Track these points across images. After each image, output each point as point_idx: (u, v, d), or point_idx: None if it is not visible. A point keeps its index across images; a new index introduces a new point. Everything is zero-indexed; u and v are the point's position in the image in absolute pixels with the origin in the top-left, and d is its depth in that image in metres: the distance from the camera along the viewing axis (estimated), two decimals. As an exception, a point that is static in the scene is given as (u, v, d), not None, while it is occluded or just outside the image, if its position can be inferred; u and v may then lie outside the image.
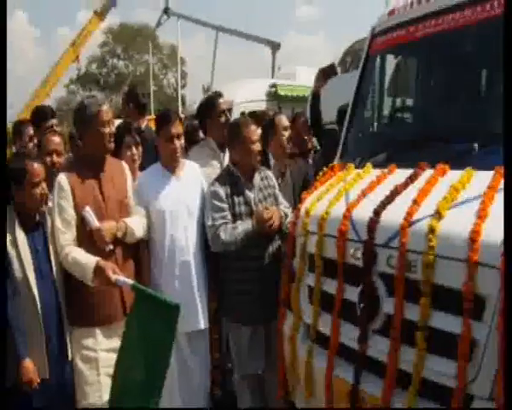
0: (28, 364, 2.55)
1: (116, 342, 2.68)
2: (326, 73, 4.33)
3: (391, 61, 3.55)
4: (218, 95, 3.80)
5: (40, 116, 4.33)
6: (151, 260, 3.16)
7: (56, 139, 3.30)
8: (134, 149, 3.39)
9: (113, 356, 2.62)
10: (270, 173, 3.41)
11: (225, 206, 3.11)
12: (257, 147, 3.22)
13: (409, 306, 2.09)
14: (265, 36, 15.69)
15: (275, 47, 15.19)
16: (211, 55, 17.87)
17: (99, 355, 2.80)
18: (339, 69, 8.89)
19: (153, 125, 4.75)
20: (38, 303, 2.64)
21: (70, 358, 2.80)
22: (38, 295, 2.64)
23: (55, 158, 3.22)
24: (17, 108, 17.32)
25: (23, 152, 2.99)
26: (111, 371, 2.62)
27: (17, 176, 2.66)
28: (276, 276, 3.02)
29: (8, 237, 2.60)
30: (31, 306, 2.63)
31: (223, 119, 3.69)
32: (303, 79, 10.27)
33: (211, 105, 3.74)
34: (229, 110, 3.81)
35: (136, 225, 2.96)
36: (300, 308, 2.76)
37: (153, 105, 27.31)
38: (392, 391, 2.12)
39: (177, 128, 3.16)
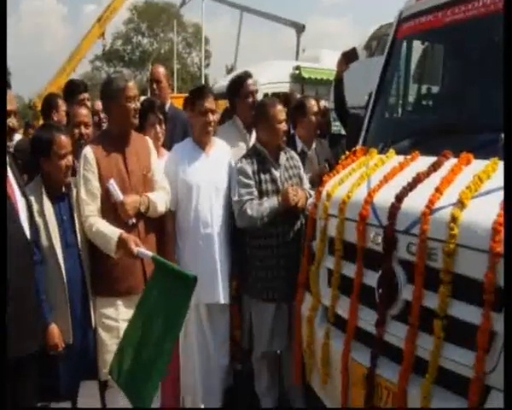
0: (53, 329, 2.64)
1: None
2: (348, 57, 4.29)
3: (417, 47, 3.51)
4: (248, 75, 3.78)
5: (72, 90, 4.39)
6: (177, 230, 3.24)
7: (84, 111, 3.37)
8: (158, 127, 3.43)
9: None
10: (295, 154, 3.47)
11: (252, 182, 3.17)
12: (283, 126, 3.27)
13: (428, 293, 2.09)
14: (290, 17, 15.54)
15: (299, 29, 15.03)
16: (235, 35, 17.81)
17: (120, 325, 2.85)
18: (364, 53, 8.81)
19: (176, 104, 4.79)
20: (64, 271, 2.72)
21: (93, 326, 2.88)
22: (63, 263, 2.72)
23: (82, 130, 3.29)
24: (43, 84, 17.55)
25: (50, 123, 3.05)
26: None
27: (44, 146, 2.72)
28: (300, 254, 3.07)
29: (36, 207, 2.68)
30: (56, 274, 2.71)
31: (250, 99, 3.67)
32: (327, 63, 10.19)
33: (239, 85, 3.74)
34: (257, 91, 3.77)
35: (159, 200, 3.02)
36: (319, 291, 2.79)
37: (176, 83, 27.36)
38: (408, 377, 2.13)
39: (211, 103, 3.24)
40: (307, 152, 3.82)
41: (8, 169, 2.46)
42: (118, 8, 18.73)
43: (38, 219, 2.68)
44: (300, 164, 3.45)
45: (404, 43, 3.42)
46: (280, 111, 3.28)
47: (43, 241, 2.69)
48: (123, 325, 2.81)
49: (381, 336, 2.28)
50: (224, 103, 11.73)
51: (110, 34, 30.71)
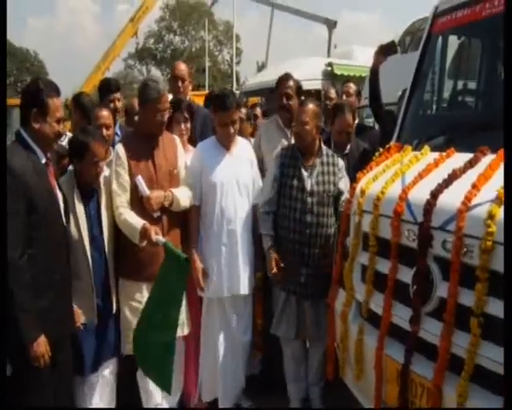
0: (76, 310, 2.86)
1: None
2: (386, 50, 4.24)
3: (453, 42, 3.46)
4: (284, 77, 3.90)
5: (105, 89, 4.50)
6: (201, 225, 3.38)
7: (105, 114, 3.51)
8: (183, 124, 3.58)
9: None
10: (340, 162, 3.42)
11: (276, 187, 3.31)
12: (306, 127, 3.28)
13: (463, 291, 2.09)
14: (320, 13, 15.45)
15: (331, 25, 14.94)
16: (266, 31, 17.81)
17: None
18: (398, 49, 8.69)
19: (197, 101, 4.82)
20: (90, 260, 2.95)
21: (114, 311, 3.12)
22: (90, 253, 2.95)
23: (104, 131, 3.43)
24: (78, 82, 17.96)
25: (88, 128, 3.19)
26: None
27: (79, 150, 2.93)
28: (310, 259, 3.25)
29: (68, 201, 2.87)
30: (83, 262, 2.93)
31: (284, 101, 3.81)
32: (360, 59, 10.11)
33: (277, 85, 3.90)
34: (298, 92, 3.84)
35: (183, 195, 3.22)
36: (353, 286, 2.80)
37: (207, 81, 27.56)
38: (443, 374, 2.13)
39: (232, 116, 3.31)
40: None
41: (51, 167, 2.67)
42: (150, 8, 18.96)
43: (70, 214, 2.88)
44: (343, 172, 3.41)
45: (440, 38, 3.38)
46: (303, 112, 3.30)
47: (73, 231, 2.91)
48: None
49: (416, 332, 2.28)
50: (254, 100, 11.75)
51: (142, 33, 31.18)
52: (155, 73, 42.83)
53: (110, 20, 67.21)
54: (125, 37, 18.57)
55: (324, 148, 3.41)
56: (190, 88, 4.38)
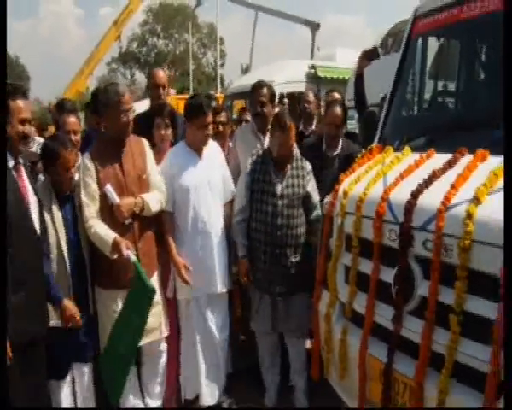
0: (68, 303, 2.86)
1: None
2: (369, 55, 4.35)
3: (433, 44, 3.51)
4: (258, 86, 3.95)
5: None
6: (176, 230, 3.43)
7: (73, 120, 3.57)
8: (163, 130, 3.61)
9: None
10: (308, 166, 3.51)
11: (248, 195, 3.42)
12: (290, 148, 3.38)
13: (444, 289, 2.12)
14: (304, 16, 15.51)
15: (314, 27, 14.98)
16: (250, 34, 17.83)
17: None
18: (381, 51, 8.77)
19: (181, 104, 4.78)
20: (68, 264, 2.98)
21: (91, 312, 3.15)
22: (67, 257, 2.98)
23: (72, 137, 3.48)
24: (61, 86, 17.82)
25: (59, 135, 3.27)
26: None
27: (50, 157, 3.00)
28: (282, 258, 3.35)
29: (45, 205, 2.93)
30: (61, 265, 2.97)
31: (258, 108, 3.89)
32: (343, 61, 10.18)
33: (252, 93, 3.98)
34: (272, 98, 3.91)
35: (153, 200, 3.21)
36: (336, 287, 2.83)
37: (192, 84, 27.52)
38: (425, 372, 2.16)
39: (210, 118, 3.42)
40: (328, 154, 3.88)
41: (23, 171, 2.69)
42: (133, 11, 18.95)
43: (47, 217, 2.93)
44: (310, 176, 3.49)
45: (420, 41, 3.43)
46: (286, 136, 3.32)
47: (51, 236, 2.95)
48: None
49: (398, 331, 2.31)
50: (239, 103, 11.75)
51: (126, 36, 31.05)
52: (139, 76, 42.72)
53: (93, 24, 66.87)
54: (109, 40, 18.51)
55: (295, 152, 3.47)
56: (174, 92, 4.39)
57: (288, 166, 3.42)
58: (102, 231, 3.01)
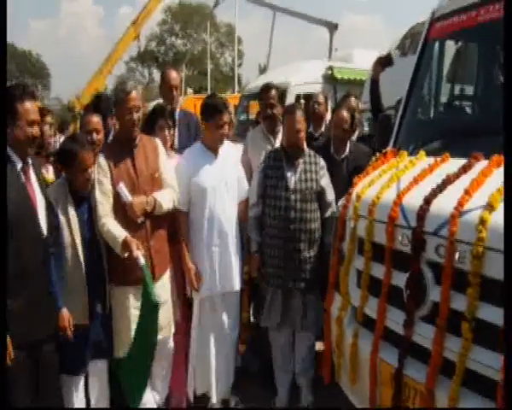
0: (63, 314, 2.87)
1: None
2: (383, 62, 4.46)
3: (450, 47, 3.48)
4: (266, 88, 4.04)
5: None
6: (191, 229, 3.47)
7: (95, 119, 3.59)
8: (166, 131, 3.65)
9: None
10: (321, 162, 3.56)
11: (260, 192, 3.49)
12: (297, 133, 3.44)
13: (456, 295, 2.11)
14: (322, 16, 15.47)
15: (332, 28, 14.94)
16: (267, 34, 17.84)
17: (131, 311, 3.19)
18: (397, 53, 8.72)
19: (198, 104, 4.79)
20: (83, 263, 3.01)
21: (107, 312, 3.18)
22: (83, 256, 3.01)
23: (94, 136, 3.51)
24: (81, 85, 18.03)
25: (77, 136, 3.30)
26: None
27: (68, 158, 3.03)
28: (295, 253, 3.38)
29: (60, 205, 2.97)
30: (76, 265, 2.99)
31: (267, 111, 3.97)
32: (360, 62, 10.12)
33: (261, 95, 4.05)
34: (282, 98, 3.98)
35: (165, 198, 3.24)
36: (348, 291, 2.83)
37: (209, 84, 27.61)
38: (435, 378, 2.15)
39: (227, 117, 3.49)
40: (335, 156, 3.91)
41: (31, 173, 2.72)
42: (152, 11, 19.01)
43: (62, 217, 2.96)
44: (324, 170, 3.54)
45: (437, 44, 3.40)
46: (294, 121, 3.43)
47: (66, 236, 2.97)
48: (133, 312, 3.17)
49: (409, 336, 2.30)
50: (255, 104, 11.76)
51: (144, 36, 31.28)
52: (157, 75, 42.89)
53: (113, 24, 67.46)
54: (128, 40, 18.62)
55: (307, 148, 3.57)
56: (192, 91, 4.42)
57: (301, 161, 3.47)
58: (114, 230, 3.05)
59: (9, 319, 2.44)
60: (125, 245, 3.00)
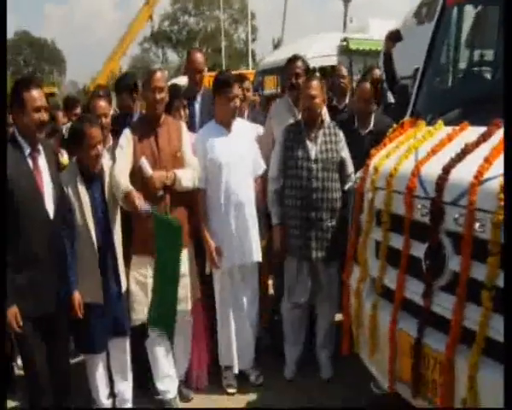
0: (76, 296, 3.02)
1: None
2: (393, 38, 4.53)
3: (468, 12, 3.39)
4: (295, 58, 4.05)
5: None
6: (209, 204, 3.53)
7: (102, 104, 3.65)
8: (182, 111, 3.74)
9: None
10: (340, 133, 3.59)
11: (281, 164, 3.55)
12: (313, 101, 3.48)
13: (475, 264, 2.09)
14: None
15: (346, -1, 14.69)
16: (281, 8, 17.60)
17: (148, 281, 3.32)
18: (414, 21, 8.52)
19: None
20: (95, 243, 3.09)
21: (124, 289, 3.26)
22: (95, 236, 3.09)
23: (103, 120, 3.56)
24: (97, 69, 18.08)
25: (85, 116, 3.40)
26: None
27: (77, 137, 3.08)
28: (318, 222, 3.44)
29: (71, 187, 3.06)
30: (89, 245, 3.08)
31: (293, 80, 3.95)
32: (376, 32, 9.92)
33: (286, 66, 4.07)
34: (302, 73, 3.94)
35: (185, 176, 3.34)
36: (367, 262, 2.82)
37: (224, 61, 27.42)
38: (455, 347, 2.15)
39: (237, 90, 3.53)
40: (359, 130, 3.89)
41: (40, 159, 2.84)
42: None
43: (73, 198, 3.06)
44: (343, 142, 3.57)
45: (455, 10, 3.32)
46: (308, 87, 3.49)
47: (78, 217, 3.07)
48: (150, 281, 3.30)
49: (429, 306, 2.30)
50: (271, 79, 11.64)
51: (157, 15, 31.04)
52: (171, 55, 42.76)
53: (129, 4, 67.01)
54: (141, 20, 18.61)
55: (326, 120, 3.61)
56: (206, 69, 4.39)
57: (320, 132, 3.51)
58: (120, 178, 3.13)
59: (16, 293, 2.67)
60: (127, 195, 3.06)
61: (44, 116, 2.78)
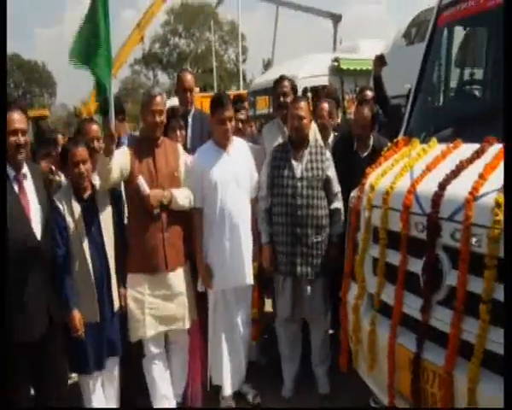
0: (74, 314, 3.04)
1: (159, 290, 3.35)
2: (379, 63, 4.63)
3: (459, 33, 3.48)
4: (280, 79, 4.10)
5: None
6: (205, 223, 3.53)
7: (95, 127, 3.70)
8: (178, 131, 3.81)
9: (156, 301, 3.34)
10: (327, 153, 3.65)
11: (269, 183, 3.57)
12: (297, 123, 3.54)
13: (472, 278, 2.13)
14: (326, 8, 15.44)
15: (336, 19, 14.91)
16: (271, 29, 17.81)
17: (145, 298, 3.35)
18: (404, 41, 8.70)
19: (204, 102, 4.89)
20: (90, 264, 3.13)
21: (116, 309, 3.28)
22: (90, 257, 3.13)
23: (95, 143, 3.60)
24: (87, 91, 18.09)
25: (75, 138, 3.52)
26: (154, 312, 3.34)
27: (65, 156, 3.19)
28: (303, 238, 3.48)
29: (66, 208, 3.11)
30: (84, 266, 3.11)
31: (281, 99, 4.00)
32: (366, 52, 10.10)
33: (274, 87, 4.11)
34: (295, 89, 4.05)
35: (181, 195, 3.39)
36: (364, 279, 2.85)
37: (215, 81, 27.62)
38: (454, 361, 2.17)
39: (230, 112, 3.52)
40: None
41: (26, 182, 2.86)
42: (156, 13, 19.01)
43: (68, 219, 3.10)
44: (329, 161, 3.61)
45: (445, 30, 3.40)
46: (296, 108, 3.55)
47: (73, 238, 3.10)
48: (148, 298, 3.34)
49: (427, 321, 2.32)
50: (262, 99, 11.74)
51: (148, 37, 31.27)
52: (161, 77, 42.99)
53: (115, 28, 67.28)
54: (132, 43, 18.63)
55: (312, 140, 3.67)
56: (198, 90, 4.45)
57: (306, 151, 3.56)
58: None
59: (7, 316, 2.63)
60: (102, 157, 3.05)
61: (21, 140, 2.78)
